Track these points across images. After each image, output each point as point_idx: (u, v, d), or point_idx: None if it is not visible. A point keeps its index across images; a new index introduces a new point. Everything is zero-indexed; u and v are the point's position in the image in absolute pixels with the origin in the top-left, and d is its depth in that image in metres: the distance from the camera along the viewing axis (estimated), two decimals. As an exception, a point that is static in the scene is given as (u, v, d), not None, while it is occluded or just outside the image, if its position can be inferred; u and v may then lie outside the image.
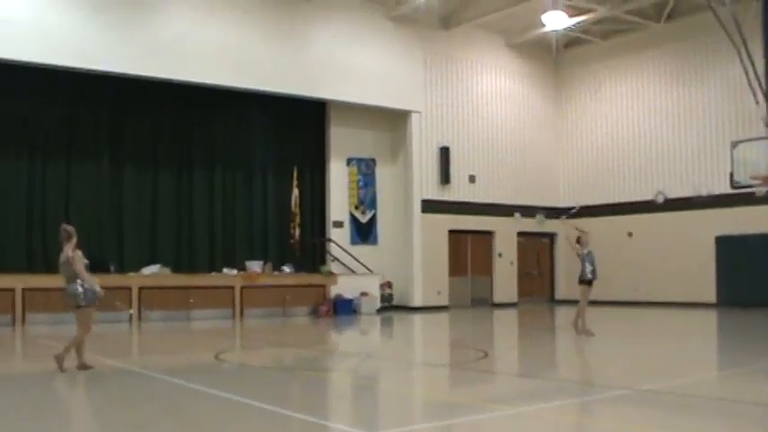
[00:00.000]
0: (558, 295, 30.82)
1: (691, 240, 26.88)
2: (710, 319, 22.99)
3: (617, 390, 9.68)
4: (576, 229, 17.94)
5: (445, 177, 27.63)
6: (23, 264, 21.19)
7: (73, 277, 11.16)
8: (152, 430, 7.38)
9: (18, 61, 20.17)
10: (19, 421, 8.05)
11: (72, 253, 11.20)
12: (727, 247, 26.08)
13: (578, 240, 17.00)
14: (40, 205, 22.26)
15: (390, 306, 26.46)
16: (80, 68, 21.08)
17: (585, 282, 16.73)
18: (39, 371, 12.14)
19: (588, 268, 16.66)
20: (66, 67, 20.92)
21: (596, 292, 26.37)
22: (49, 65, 20.61)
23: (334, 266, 26.02)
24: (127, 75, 21.78)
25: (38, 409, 8.75)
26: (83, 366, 11.20)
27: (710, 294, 26.28)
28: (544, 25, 26.96)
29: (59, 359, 11.11)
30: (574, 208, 22.38)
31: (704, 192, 26.49)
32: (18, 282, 19.91)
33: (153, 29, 22.11)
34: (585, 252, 16.83)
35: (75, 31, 20.86)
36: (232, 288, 23.22)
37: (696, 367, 12.33)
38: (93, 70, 21.28)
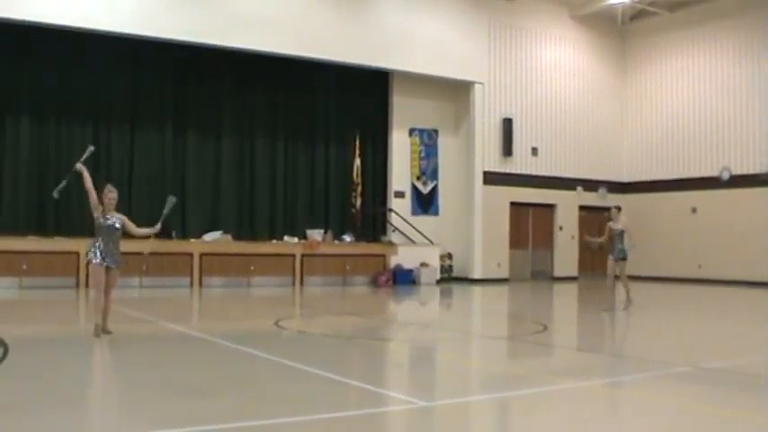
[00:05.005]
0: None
1: (756, 218, 26.30)
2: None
3: (678, 366, 9.55)
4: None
5: (507, 149, 27.39)
6: (82, 229, 21.47)
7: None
8: (211, 394, 7.46)
9: (83, 29, 20.38)
10: (78, 381, 8.21)
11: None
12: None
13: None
14: (105, 172, 22.52)
15: (450, 277, 26.44)
16: (145, 36, 21.23)
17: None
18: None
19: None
20: (131, 35, 21.07)
21: (658, 267, 26.37)
22: (114, 32, 20.80)
23: (394, 237, 26.04)
24: (191, 43, 21.91)
25: (96, 371, 8.90)
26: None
27: (776, 273, 25.79)
28: (610, -4, 26.60)
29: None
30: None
31: (771, 169, 26.00)
32: (81, 246, 20.20)
33: (218, -3, 22.25)
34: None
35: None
36: (293, 256, 23.39)
37: (760, 347, 12.12)
38: (158, 38, 21.43)
